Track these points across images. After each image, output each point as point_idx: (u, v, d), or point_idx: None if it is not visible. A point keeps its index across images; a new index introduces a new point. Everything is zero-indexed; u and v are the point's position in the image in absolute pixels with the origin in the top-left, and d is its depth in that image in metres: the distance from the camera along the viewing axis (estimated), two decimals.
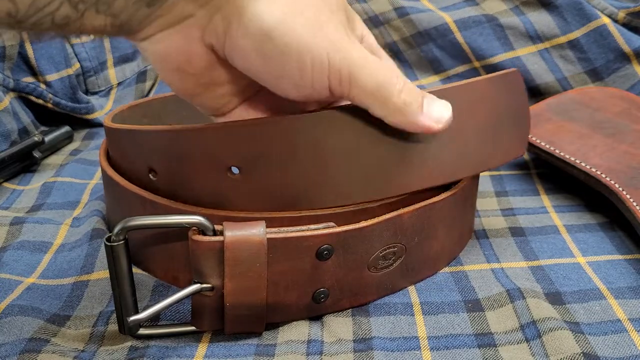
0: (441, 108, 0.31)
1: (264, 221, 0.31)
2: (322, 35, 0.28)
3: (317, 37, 0.28)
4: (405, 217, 0.34)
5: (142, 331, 0.32)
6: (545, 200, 0.47)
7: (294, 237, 0.31)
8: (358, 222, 0.33)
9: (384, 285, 0.35)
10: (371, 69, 0.29)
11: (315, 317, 0.34)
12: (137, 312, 0.32)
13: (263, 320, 0.32)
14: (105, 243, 0.31)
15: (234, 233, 0.30)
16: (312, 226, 0.32)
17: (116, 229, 0.31)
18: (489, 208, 0.46)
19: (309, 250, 0.32)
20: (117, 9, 0.25)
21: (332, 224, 0.32)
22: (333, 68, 0.28)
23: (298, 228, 0.32)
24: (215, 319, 0.32)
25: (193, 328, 0.33)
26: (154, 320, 0.34)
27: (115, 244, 0.31)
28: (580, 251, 0.40)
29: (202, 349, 0.32)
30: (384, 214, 0.33)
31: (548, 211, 0.45)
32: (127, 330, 0.32)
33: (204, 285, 0.31)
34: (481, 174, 0.50)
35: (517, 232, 0.43)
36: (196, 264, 0.31)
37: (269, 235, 0.31)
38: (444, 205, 0.36)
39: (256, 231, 0.30)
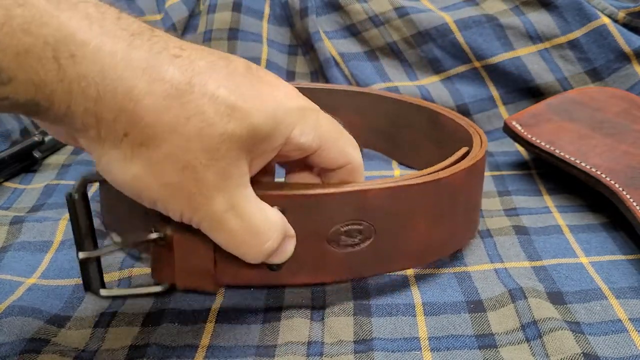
0: (287, 252, 0.31)
1: None
2: (180, 198, 0.27)
3: (174, 198, 0.27)
4: (371, 194, 0.33)
5: (103, 292, 0.32)
6: (548, 200, 0.47)
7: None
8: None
9: (351, 267, 0.34)
10: (227, 236, 0.28)
11: (316, 317, 0.34)
12: (100, 270, 0.32)
13: (212, 276, 0.32)
14: (66, 197, 0.31)
15: None
16: (269, 186, 0.32)
17: (76, 184, 0.31)
18: (492, 208, 0.46)
19: None
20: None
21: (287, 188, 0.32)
22: (190, 221, 0.28)
23: (253, 186, 0.31)
24: (170, 272, 0.32)
25: (155, 289, 0.32)
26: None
27: (76, 197, 0.30)
28: (583, 251, 0.40)
29: (202, 350, 0.32)
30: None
31: (551, 211, 0.45)
32: (88, 287, 0.32)
33: (159, 234, 0.31)
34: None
35: (520, 231, 0.43)
36: (152, 212, 0.31)
37: None
38: (424, 193, 0.35)
39: None
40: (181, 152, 0.26)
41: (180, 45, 0.26)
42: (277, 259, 0.31)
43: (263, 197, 0.31)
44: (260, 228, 0.29)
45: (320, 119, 0.31)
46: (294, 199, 0.32)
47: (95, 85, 0.24)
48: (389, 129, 0.52)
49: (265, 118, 0.27)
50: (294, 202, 0.32)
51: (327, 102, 0.53)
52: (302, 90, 0.55)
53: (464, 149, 0.39)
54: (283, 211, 0.31)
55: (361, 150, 0.34)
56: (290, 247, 0.31)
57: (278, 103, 0.28)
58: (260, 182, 0.32)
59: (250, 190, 0.29)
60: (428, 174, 0.36)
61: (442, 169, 0.36)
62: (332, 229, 0.33)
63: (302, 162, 0.33)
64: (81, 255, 0.31)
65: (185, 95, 0.25)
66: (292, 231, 0.32)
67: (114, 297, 0.34)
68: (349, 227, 0.33)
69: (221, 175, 0.27)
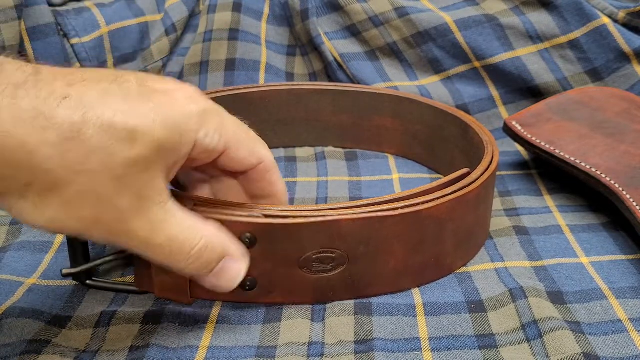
0: (234, 273, 0.31)
1: (192, 200, 0.33)
2: (100, 228, 0.27)
3: (94, 229, 0.27)
4: (344, 224, 0.33)
5: (89, 282, 0.36)
6: (549, 200, 0.47)
7: (214, 220, 0.32)
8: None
9: (323, 290, 0.35)
10: (156, 251, 0.28)
11: (317, 317, 0.34)
12: (87, 261, 0.35)
13: (186, 291, 0.34)
14: None
15: None
16: (238, 212, 0.33)
17: None
18: (493, 208, 0.46)
19: None
20: None
21: (258, 214, 0.33)
22: (117, 245, 0.28)
23: (223, 211, 0.33)
24: (149, 282, 0.34)
25: (136, 288, 0.36)
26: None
27: None
28: (584, 251, 0.40)
29: (202, 351, 0.32)
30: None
31: (552, 211, 0.45)
32: (76, 277, 0.36)
33: None
34: None
35: (521, 231, 0.43)
36: None
37: None
38: (401, 224, 0.34)
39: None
40: (90, 187, 0.26)
41: (69, 82, 0.26)
42: (223, 280, 0.31)
43: (233, 224, 0.32)
44: (181, 238, 0.29)
45: (225, 120, 0.31)
46: (265, 227, 0.32)
47: None
48: (425, 135, 0.52)
49: (169, 130, 0.27)
50: (264, 231, 0.32)
51: (363, 103, 0.53)
52: (339, 93, 0.54)
53: (463, 171, 0.38)
54: (254, 238, 0.32)
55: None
56: (236, 267, 0.31)
57: (178, 111, 0.27)
58: (231, 203, 0.34)
59: (171, 204, 0.28)
60: (409, 197, 0.35)
61: (427, 194, 0.35)
62: (303, 256, 0.33)
63: (221, 170, 0.33)
64: (64, 271, 0.35)
65: (81, 133, 0.25)
66: (237, 252, 0.31)
67: (98, 288, 0.36)
68: (321, 254, 0.34)
69: (136, 199, 0.27)
